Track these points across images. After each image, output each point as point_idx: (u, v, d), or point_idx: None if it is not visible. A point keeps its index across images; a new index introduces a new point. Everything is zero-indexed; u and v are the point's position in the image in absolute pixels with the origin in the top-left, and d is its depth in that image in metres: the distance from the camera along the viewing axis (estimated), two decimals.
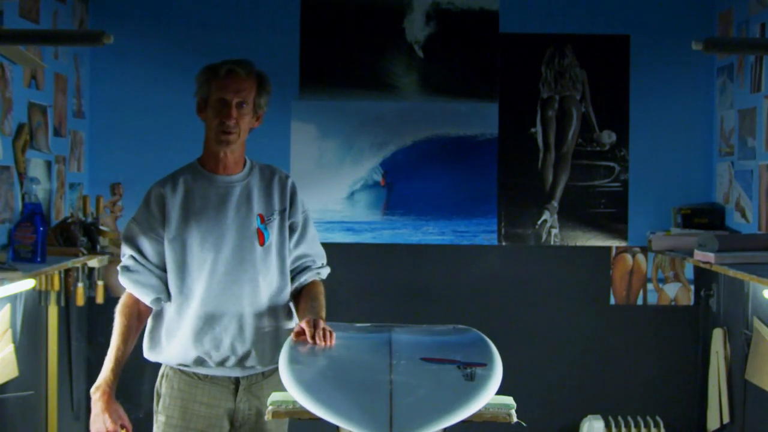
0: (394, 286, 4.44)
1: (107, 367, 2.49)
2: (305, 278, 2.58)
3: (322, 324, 2.31)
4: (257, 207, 2.52)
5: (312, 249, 2.61)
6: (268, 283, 2.50)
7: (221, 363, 2.49)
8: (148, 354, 2.56)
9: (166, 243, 2.48)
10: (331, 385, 1.97)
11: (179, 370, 2.53)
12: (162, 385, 2.55)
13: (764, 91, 3.81)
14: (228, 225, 2.48)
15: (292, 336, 2.33)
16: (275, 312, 2.51)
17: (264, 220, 2.51)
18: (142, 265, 2.49)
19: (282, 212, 2.54)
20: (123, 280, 2.51)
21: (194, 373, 2.52)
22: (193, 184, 2.51)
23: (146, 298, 2.50)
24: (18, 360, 3.42)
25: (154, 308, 2.53)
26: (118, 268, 2.53)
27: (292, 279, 2.57)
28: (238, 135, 2.47)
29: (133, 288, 2.50)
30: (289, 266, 2.55)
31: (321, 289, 2.59)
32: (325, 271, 2.64)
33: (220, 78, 2.45)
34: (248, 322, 2.48)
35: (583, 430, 4.36)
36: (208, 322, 2.46)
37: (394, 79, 4.42)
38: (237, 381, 2.52)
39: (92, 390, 2.49)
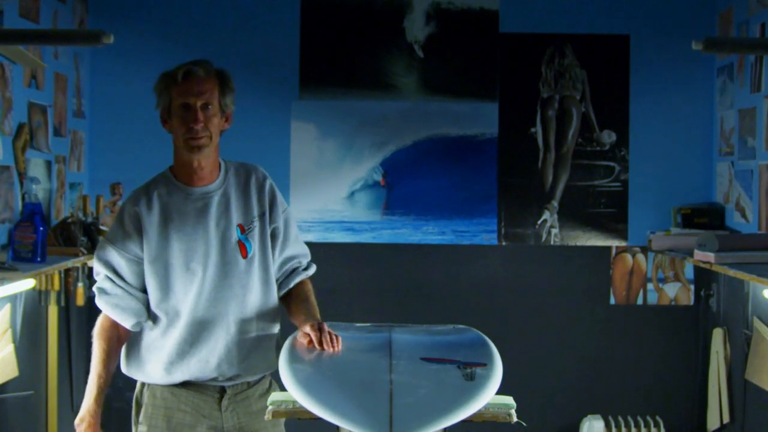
0: (394, 286, 4.44)
1: (90, 397, 2.38)
2: (295, 281, 2.51)
3: (326, 328, 2.27)
4: (236, 217, 2.41)
5: (297, 249, 2.53)
6: (254, 296, 2.42)
7: (208, 380, 2.43)
8: (126, 370, 2.46)
9: (145, 264, 2.37)
10: (331, 384, 1.97)
11: None
12: (143, 395, 2.45)
13: (764, 91, 3.80)
14: (210, 241, 2.37)
15: (296, 338, 2.30)
16: (261, 323, 2.44)
17: (244, 230, 2.41)
18: (120, 287, 2.38)
19: (261, 216, 2.44)
20: (101, 303, 2.40)
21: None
22: (168, 199, 2.39)
23: (127, 323, 2.39)
24: (18, 360, 3.42)
25: (133, 330, 2.43)
26: (94, 289, 2.41)
27: (281, 283, 2.50)
28: (210, 138, 2.35)
29: (113, 312, 2.39)
30: (274, 273, 2.47)
31: (310, 287, 2.53)
32: (312, 269, 2.57)
33: (179, 82, 2.34)
34: (235, 340, 2.39)
35: (583, 430, 4.36)
36: (194, 343, 2.38)
37: (394, 79, 4.42)
38: (222, 390, 2.44)
39: (76, 422, 2.39)
